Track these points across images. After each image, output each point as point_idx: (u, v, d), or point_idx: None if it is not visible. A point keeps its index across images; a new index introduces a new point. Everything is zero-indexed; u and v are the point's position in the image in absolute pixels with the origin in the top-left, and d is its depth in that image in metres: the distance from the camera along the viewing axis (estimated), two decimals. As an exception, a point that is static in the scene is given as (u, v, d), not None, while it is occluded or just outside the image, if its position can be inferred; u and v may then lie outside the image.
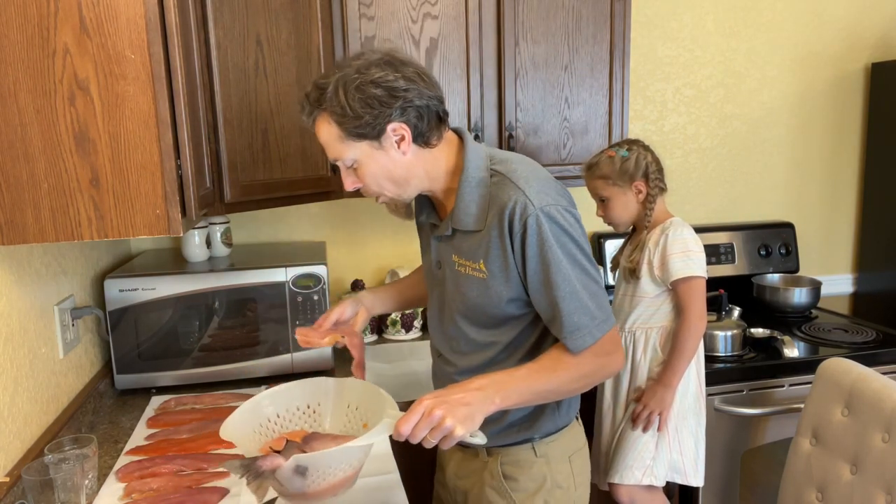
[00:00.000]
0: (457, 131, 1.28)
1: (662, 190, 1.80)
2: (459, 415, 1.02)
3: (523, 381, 1.14)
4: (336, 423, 1.23)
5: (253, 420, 1.17)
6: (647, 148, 1.80)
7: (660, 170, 1.79)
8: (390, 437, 1.05)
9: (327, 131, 1.17)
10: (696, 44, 2.52)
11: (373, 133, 1.15)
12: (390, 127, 1.15)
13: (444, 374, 1.37)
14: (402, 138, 1.17)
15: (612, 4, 2.01)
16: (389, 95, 1.13)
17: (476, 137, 2.02)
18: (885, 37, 2.66)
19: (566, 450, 1.33)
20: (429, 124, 1.18)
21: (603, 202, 1.81)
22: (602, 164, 1.79)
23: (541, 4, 1.97)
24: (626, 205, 1.79)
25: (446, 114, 1.22)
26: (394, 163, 1.19)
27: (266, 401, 1.21)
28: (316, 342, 1.32)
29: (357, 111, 1.13)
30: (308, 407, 1.24)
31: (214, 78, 1.51)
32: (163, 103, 1.15)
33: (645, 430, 1.74)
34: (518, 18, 1.96)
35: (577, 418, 1.38)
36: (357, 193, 1.98)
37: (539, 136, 2.05)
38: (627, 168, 1.76)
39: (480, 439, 1.05)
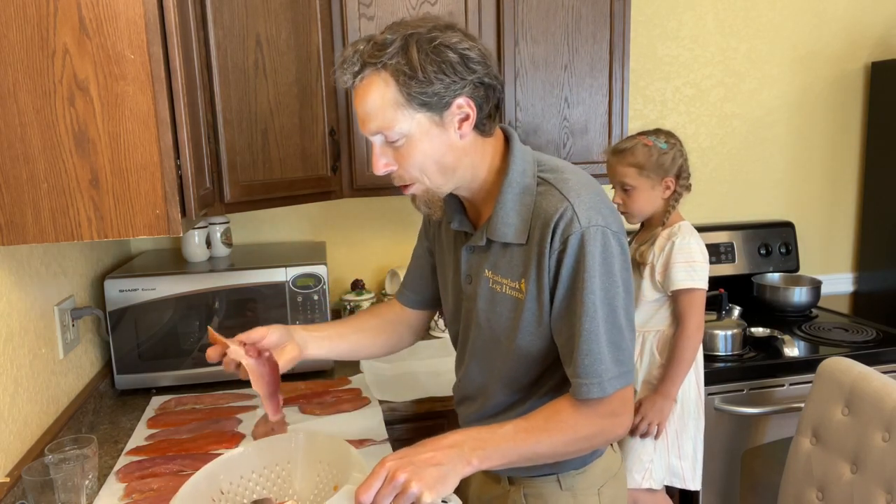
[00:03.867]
0: (503, 129, 1.14)
1: (688, 190, 1.77)
2: (427, 477, 0.90)
3: (508, 439, 0.99)
4: (307, 483, 1.12)
5: (212, 486, 1.07)
6: (682, 144, 1.76)
7: (688, 170, 1.76)
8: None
9: (381, 94, 1.00)
10: (695, 43, 2.51)
11: (438, 104, 1.00)
12: (458, 101, 1.01)
13: (464, 404, 1.27)
14: (466, 118, 1.03)
15: (612, 4, 2.01)
16: (465, 65, 1.00)
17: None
18: (885, 36, 2.66)
19: (595, 482, 1.19)
20: (490, 110, 1.05)
21: (626, 191, 1.73)
22: (637, 151, 1.71)
23: (540, 4, 1.97)
24: (651, 198, 1.73)
25: (502, 102, 1.09)
26: (448, 145, 1.04)
27: (225, 466, 1.10)
28: (220, 340, 1.14)
29: (429, 75, 0.98)
30: (277, 466, 1.13)
31: (214, 78, 1.51)
32: (162, 103, 1.15)
33: (643, 437, 1.73)
34: (518, 18, 1.96)
35: (612, 445, 1.25)
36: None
37: (539, 135, 2.05)
38: (664, 162, 1.70)
39: None
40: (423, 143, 1.03)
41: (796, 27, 2.58)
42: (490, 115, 1.06)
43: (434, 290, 1.37)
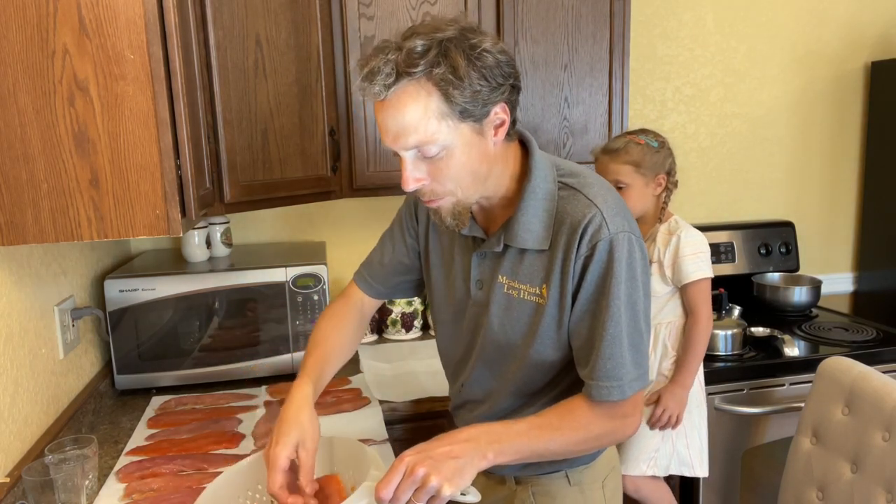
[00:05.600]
0: (520, 133, 1.10)
1: (675, 187, 1.81)
2: (446, 471, 0.90)
3: (522, 436, 0.99)
4: None
5: (230, 494, 1.06)
6: (669, 143, 1.81)
7: (675, 167, 1.82)
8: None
9: (423, 106, 0.94)
10: (695, 43, 2.51)
11: (480, 113, 0.96)
12: (494, 109, 0.98)
13: (468, 410, 1.26)
14: (502, 123, 1.00)
15: (612, 4, 2.01)
16: (501, 71, 0.96)
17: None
18: (885, 35, 2.65)
19: (600, 475, 1.22)
20: (516, 113, 1.03)
21: (619, 189, 1.75)
22: (632, 149, 1.74)
23: (540, 4, 1.97)
24: (644, 196, 1.77)
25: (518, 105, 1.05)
26: (484, 154, 1.00)
27: (244, 474, 1.09)
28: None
29: (474, 83, 0.93)
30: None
31: (214, 78, 1.51)
32: (162, 104, 1.15)
33: (662, 429, 1.75)
34: (517, 18, 1.96)
35: None
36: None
37: (539, 135, 2.04)
38: (657, 159, 1.75)
39: (473, 497, 0.93)
40: (463, 155, 0.98)
41: (796, 27, 2.58)
42: (514, 119, 1.04)
43: (401, 285, 1.35)
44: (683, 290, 1.77)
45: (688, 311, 1.78)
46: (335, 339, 1.28)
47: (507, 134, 1.03)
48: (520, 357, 1.12)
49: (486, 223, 1.15)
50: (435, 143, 0.96)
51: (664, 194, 1.79)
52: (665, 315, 1.79)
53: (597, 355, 1.03)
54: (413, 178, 1.00)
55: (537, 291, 1.07)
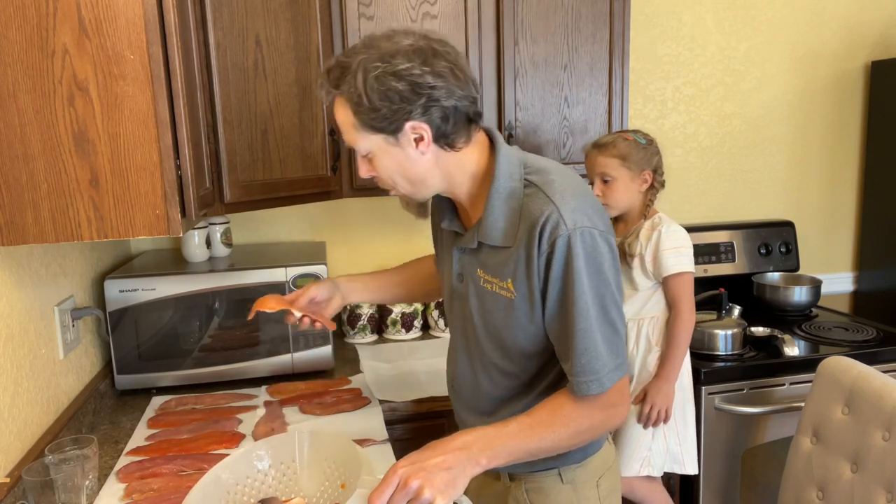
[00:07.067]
0: (488, 132, 1.16)
1: (662, 187, 1.84)
2: (439, 483, 0.92)
3: (515, 437, 1.02)
4: (313, 480, 1.13)
5: (219, 487, 1.07)
6: (658, 144, 1.85)
7: (663, 168, 1.85)
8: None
9: (343, 116, 1.08)
10: (695, 42, 2.51)
11: (389, 128, 1.05)
12: (408, 125, 1.04)
13: (460, 399, 1.29)
14: (421, 138, 1.06)
15: (612, 3, 2.01)
16: (412, 91, 1.02)
17: (510, 137, 2.00)
18: (885, 35, 2.66)
19: (594, 474, 1.23)
20: (455, 126, 1.06)
21: (606, 182, 1.79)
22: (619, 144, 1.79)
23: (540, 4, 1.97)
24: (629, 190, 1.80)
25: (478, 115, 1.10)
26: (410, 161, 1.08)
27: (232, 466, 1.11)
28: (271, 306, 1.32)
29: (374, 103, 1.02)
30: (282, 464, 1.14)
31: (213, 78, 1.51)
32: (162, 104, 1.15)
33: (655, 425, 1.76)
34: (517, 18, 1.96)
35: (608, 438, 1.28)
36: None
37: (539, 135, 2.05)
38: (644, 156, 1.79)
39: None
40: (385, 160, 1.09)
41: (796, 26, 2.58)
42: (455, 131, 1.07)
43: None
44: (665, 284, 1.78)
45: (669, 305, 1.79)
46: (407, 267, 1.52)
47: (446, 145, 1.08)
48: (500, 349, 1.16)
49: (465, 219, 1.21)
50: (357, 146, 1.10)
51: (650, 192, 1.82)
52: (648, 310, 1.80)
53: (573, 351, 1.06)
54: (363, 169, 1.14)
55: (505, 286, 1.11)
